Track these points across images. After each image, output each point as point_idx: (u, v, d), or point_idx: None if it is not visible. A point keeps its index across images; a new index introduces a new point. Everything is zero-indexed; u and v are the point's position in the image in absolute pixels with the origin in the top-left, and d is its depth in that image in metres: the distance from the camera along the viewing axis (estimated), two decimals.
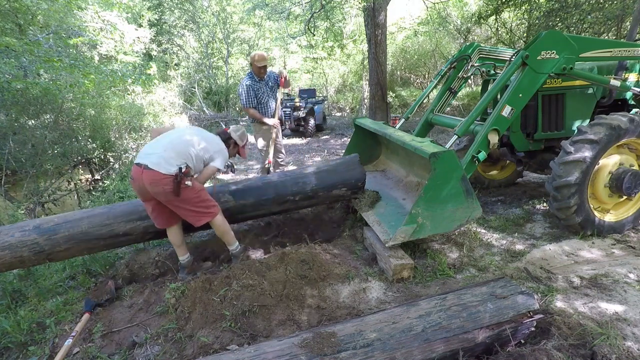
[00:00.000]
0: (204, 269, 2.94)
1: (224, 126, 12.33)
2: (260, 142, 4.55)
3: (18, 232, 2.63)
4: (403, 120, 4.26)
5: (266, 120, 4.36)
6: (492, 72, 3.98)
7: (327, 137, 10.14)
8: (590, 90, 3.59)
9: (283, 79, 4.37)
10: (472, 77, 4.34)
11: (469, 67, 4.03)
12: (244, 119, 14.54)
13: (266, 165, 4.50)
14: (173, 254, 3.33)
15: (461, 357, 1.76)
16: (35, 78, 6.24)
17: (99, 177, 6.61)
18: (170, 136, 2.64)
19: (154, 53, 15.63)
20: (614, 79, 3.45)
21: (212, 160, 2.65)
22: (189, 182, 2.45)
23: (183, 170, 2.42)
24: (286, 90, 7.29)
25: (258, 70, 4.25)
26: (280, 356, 1.63)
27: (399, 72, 17.29)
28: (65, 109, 6.23)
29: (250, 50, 17.93)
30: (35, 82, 5.67)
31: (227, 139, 2.87)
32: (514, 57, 3.09)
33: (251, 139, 10.35)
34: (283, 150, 4.78)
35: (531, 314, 1.91)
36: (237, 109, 17.66)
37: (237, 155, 3.01)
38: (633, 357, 1.82)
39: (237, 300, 2.34)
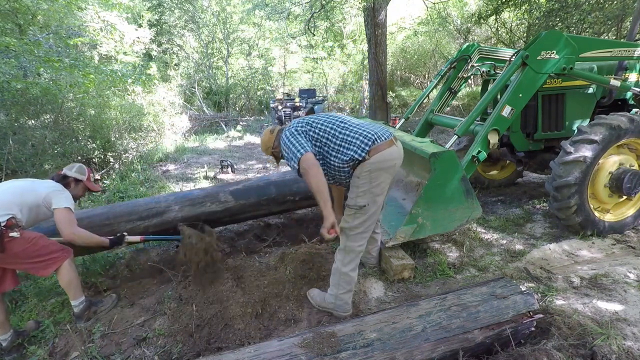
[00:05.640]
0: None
1: (224, 126, 12.34)
2: None
3: None
4: (403, 120, 4.26)
5: None
6: (492, 72, 3.98)
7: None
8: (590, 90, 3.59)
9: None
10: (472, 77, 4.34)
11: (469, 67, 4.03)
12: (244, 118, 14.55)
13: None
14: (172, 255, 3.33)
15: (461, 357, 1.76)
16: (35, 78, 6.24)
17: (99, 177, 6.60)
18: None
19: (154, 53, 15.63)
20: (614, 79, 3.45)
21: (51, 202, 2.32)
22: (14, 234, 2.15)
23: (3, 223, 2.12)
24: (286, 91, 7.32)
25: None
26: (280, 356, 1.63)
27: (399, 72, 17.30)
28: (65, 109, 6.22)
29: (251, 50, 17.94)
30: (35, 82, 5.67)
31: (64, 180, 2.53)
32: (514, 57, 3.09)
33: (252, 138, 10.20)
34: None
35: (531, 314, 1.91)
36: (237, 108, 17.68)
37: (87, 192, 2.67)
38: (633, 357, 1.82)
39: (237, 301, 2.34)
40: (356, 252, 2.19)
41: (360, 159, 2.05)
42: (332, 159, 2.11)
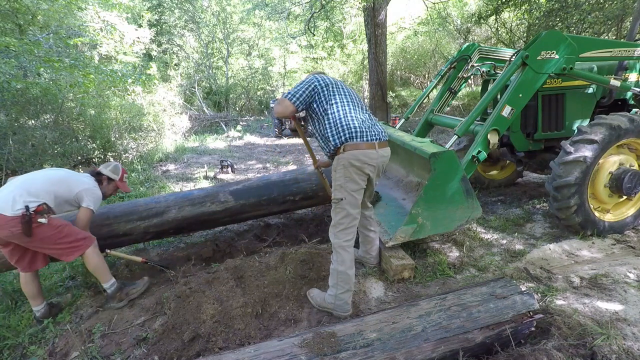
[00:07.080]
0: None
1: (224, 126, 12.34)
2: None
3: None
4: (403, 120, 4.26)
5: None
6: (492, 72, 3.98)
7: None
8: (590, 90, 3.59)
9: None
10: (472, 77, 4.35)
11: (469, 67, 4.03)
12: (244, 119, 14.55)
13: None
14: (172, 255, 3.34)
15: (461, 357, 1.76)
16: (35, 78, 6.24)
17: None
18: (26, 175, 2.42)
19: (154, 53, 15.64)
20: (614, 79, 3.45)
21: (81, 200, 2.45)
22: (42, 220, 2.25)
23: (33, 208, 2.20)
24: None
25: None
26: (280, 356, 1.63)
27: (399, 72, 17.33)
28: (65, 109, 6.23)
29: (251, 50, 17.95)
30: (35, 82, 5.68)
31: (97, 177, 2.66)
32: (514, 57, 3.09)
33: (252, 138, 10.18)
34: None
35: (531, 314, 1.91)
36: (237, 108, 17.69)
37: (117, 191, 2.78)
38: (633, 357, 1.82)
39: (238, 300, 2.34)
40: (344, 247, 2.23)
41: (333, 143, 2.18)
42: (325, 121, 2.25)
